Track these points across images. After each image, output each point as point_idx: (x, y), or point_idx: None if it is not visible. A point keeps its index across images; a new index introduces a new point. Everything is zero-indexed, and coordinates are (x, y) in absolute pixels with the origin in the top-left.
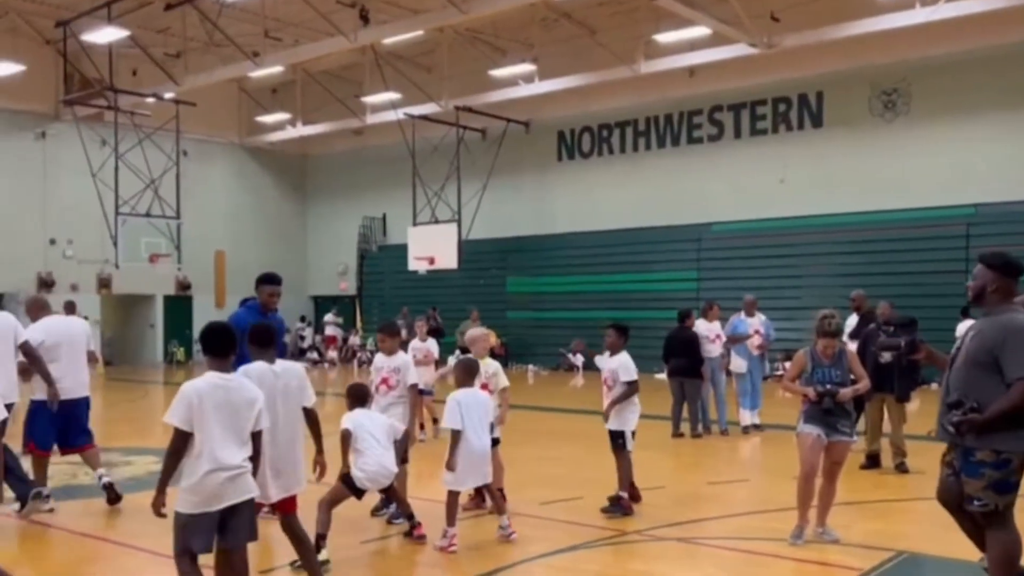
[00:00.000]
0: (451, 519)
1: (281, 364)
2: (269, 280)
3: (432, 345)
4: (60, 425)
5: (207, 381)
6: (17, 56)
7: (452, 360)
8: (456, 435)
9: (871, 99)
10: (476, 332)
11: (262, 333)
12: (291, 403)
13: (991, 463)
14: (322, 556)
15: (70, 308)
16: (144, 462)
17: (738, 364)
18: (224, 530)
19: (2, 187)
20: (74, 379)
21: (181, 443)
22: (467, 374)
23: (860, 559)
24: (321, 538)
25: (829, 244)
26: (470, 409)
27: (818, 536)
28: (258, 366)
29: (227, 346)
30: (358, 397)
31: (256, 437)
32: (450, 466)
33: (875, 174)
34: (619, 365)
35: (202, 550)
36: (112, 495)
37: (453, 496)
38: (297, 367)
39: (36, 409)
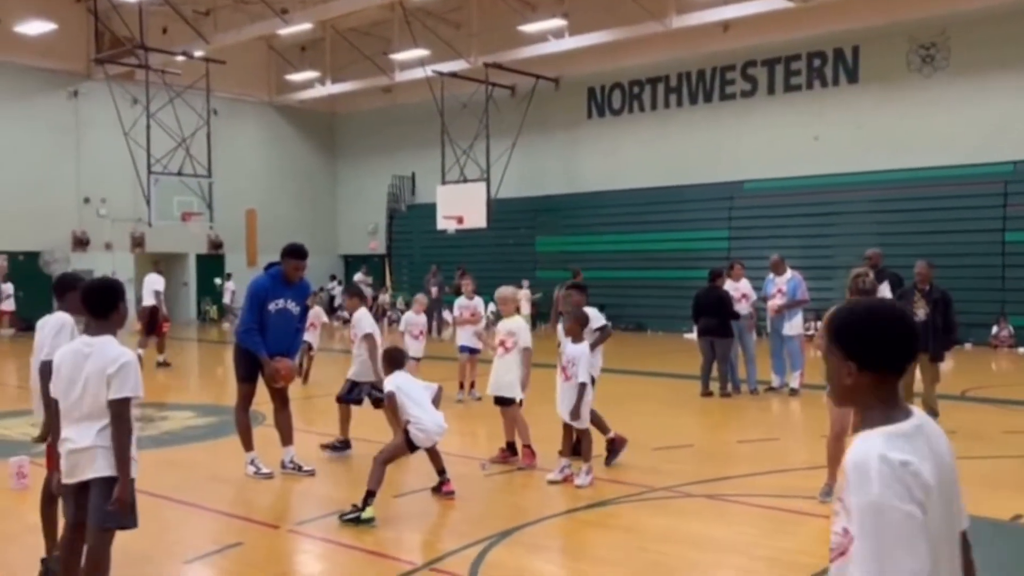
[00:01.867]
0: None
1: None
2: (295, 254)
3: (479, 303)
4: None
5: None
6: (49, 15)
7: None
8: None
9: (908, 53)
10: (506, 291)
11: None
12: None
13: None
14: (367, 513)
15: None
16: (181, 417)
17: (789, 326)
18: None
19: (37, 146)
20: None
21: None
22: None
23: None
24: (371, 495)
25: (864, 202)
26: (409, 392)
27: None
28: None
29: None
30: (396, 361)
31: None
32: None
33: (912, 131)
34: (580, 353)
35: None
36: None
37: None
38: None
39: None
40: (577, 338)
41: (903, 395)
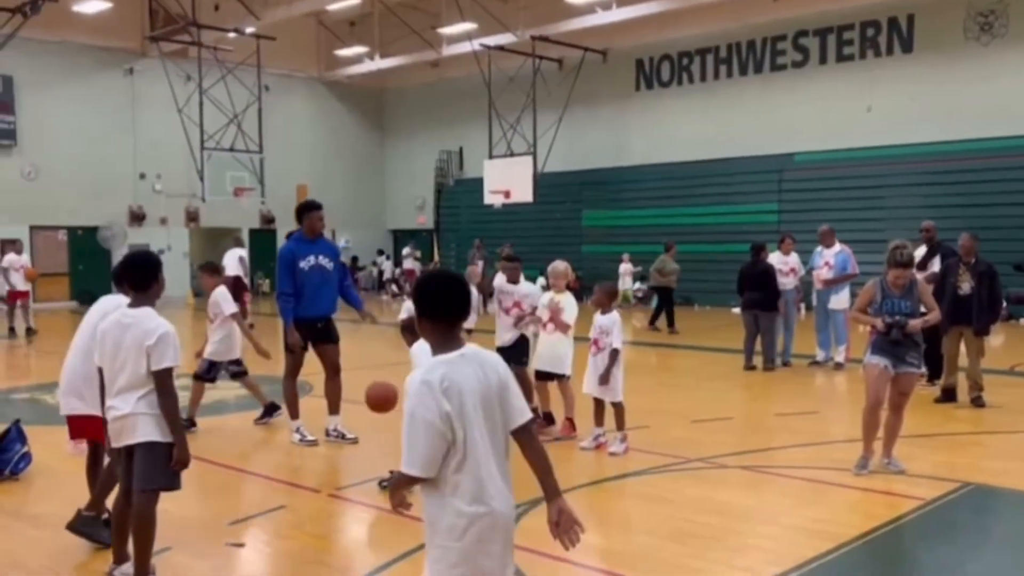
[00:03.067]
0: None
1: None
2: (310, 207)
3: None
4: None
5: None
6: None
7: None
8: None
9: (966, 21)
10: (560, 266)
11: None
12: None
13: None
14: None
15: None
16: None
17: (836, 300)
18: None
19: (94, 123)
20: None
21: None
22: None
23: (926, 489)
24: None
25: (918, 175)
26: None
27: (884, 467)
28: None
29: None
30: (415, 331)
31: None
32: None
33: (968, 101)
34: (612, 322)
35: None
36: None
37: None
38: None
39: None
40: (607, 309)
41: (947, 367)
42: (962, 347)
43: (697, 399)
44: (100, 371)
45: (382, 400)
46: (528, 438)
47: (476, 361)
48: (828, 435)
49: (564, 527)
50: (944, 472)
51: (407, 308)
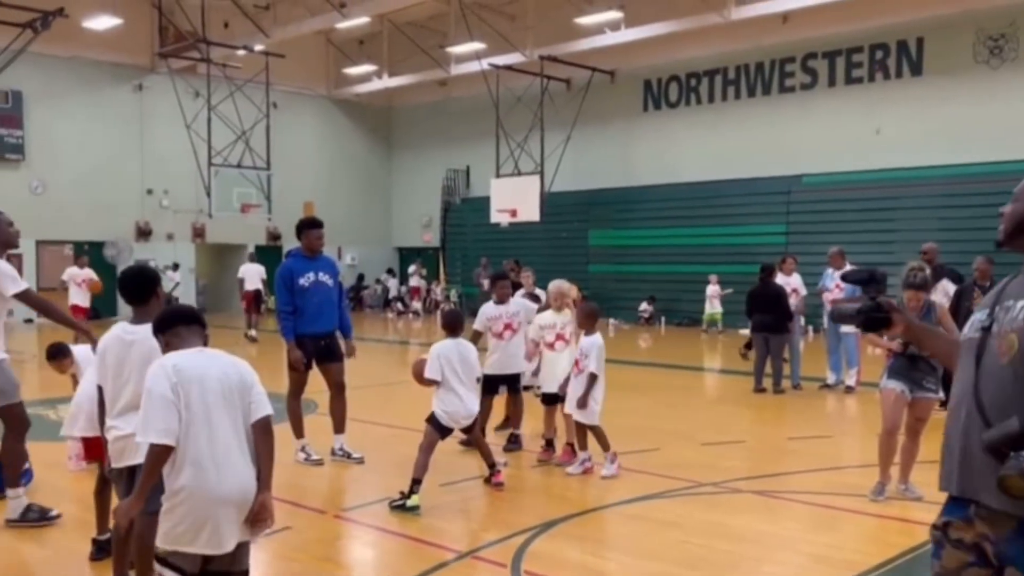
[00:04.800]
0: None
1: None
2: (311, 225)
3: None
4: None
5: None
6: (115, 10)
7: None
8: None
9: (975, 45)
10: (562, 285)
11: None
12: None
13: None
14: (412, 501)
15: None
16: None
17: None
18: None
19: (102, 138)
20: None
21: None
22: (447, 328)
23: None
24: (416, 482)
25: (927, 198)
26: (451, 361)
27: (900, 493)
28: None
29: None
30: (450, 326)
31: None
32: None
33: (978, 124)
34: (592, 344)
35: None
36: None
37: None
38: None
39: None
40: (589, 331)
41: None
42: None
43: (707, 421)
44: (100, 389)
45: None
46: (262, 434)
47: (208, 360)
48: (842, 460)
49: (258, 516)
50: None
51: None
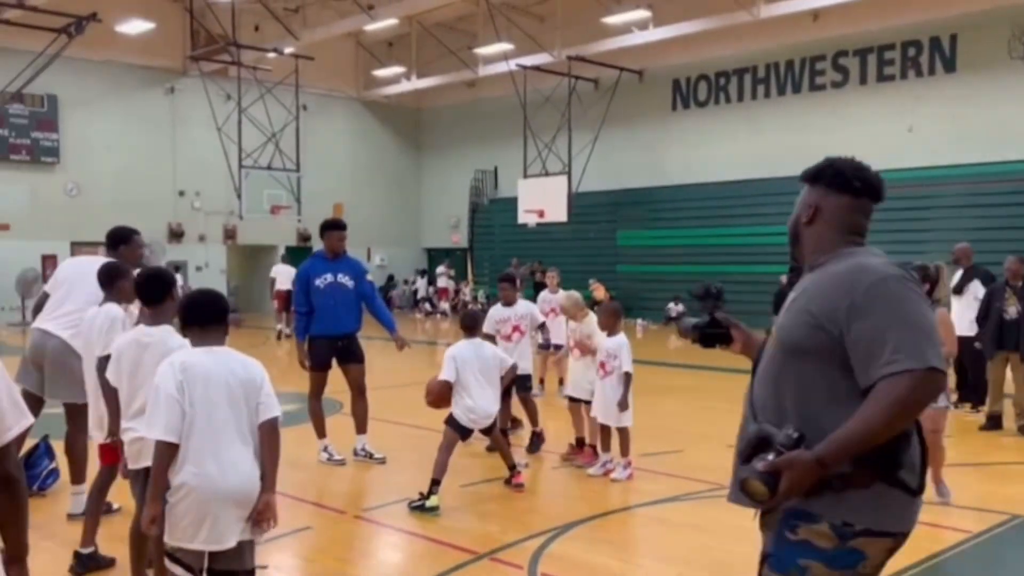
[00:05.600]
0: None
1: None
2: (332, 226)
3: (572, 292)
4: None
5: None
6: (147, 14)
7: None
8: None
9: (1011, 40)
10: (566, 302)
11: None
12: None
13: (824, 551)
14: (432, 501)
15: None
16: None
17: None
18: None
19: (135, 141)
20: None
21: None
22: (464, 329)
23: (971, 521)
24: (435, 483)
25: (960, 196)
26: (467, 362)
27: (933, 494)
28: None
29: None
30: (466, 327)
31: None
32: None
33: (1013, 122)
34: (619, 344)
35: None
36: None
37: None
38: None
39: None
40: (612, 331)
41: (992, 393)
42: (1008, 373)
43: (732, 424)
44: (115, 391)
45: (440, 397)
46: (267, 434)
47: (221, 360)
48: None
49: (260, 516)
50: (991, 503)
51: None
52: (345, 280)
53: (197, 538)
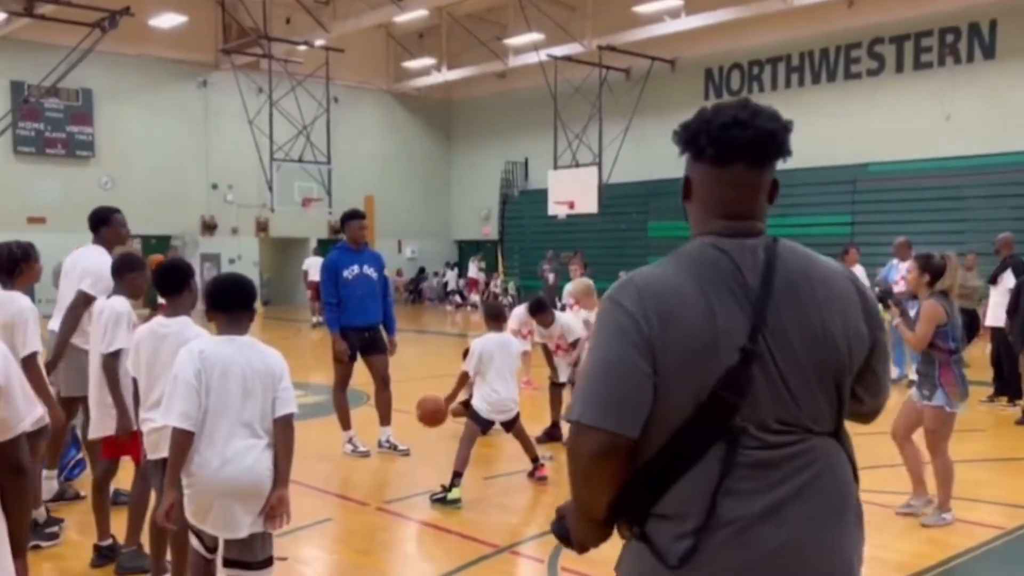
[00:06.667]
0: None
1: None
2: (354, 216)
3: (586, 279)
4: None
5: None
6: (180, 8)
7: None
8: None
9: None
10: (578, 286)
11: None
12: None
13: None
14: (453, 494)
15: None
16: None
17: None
18: None
19: (169, 134)
20: None
21: None
22: (489, 320)
23: (1004, 517)
24: (457, 476)
25: (999, 186)
26: (492, 355)
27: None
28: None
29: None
30: (492, 316)
31: None
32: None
33: None
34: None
35: None
36: None
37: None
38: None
39: None
40: None
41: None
42: None
43: None
44: (135, 381)
45: (432, 415)
46: (281, 429)
47: (243, 348)
48: (899, 457)
49: (273, 512)
50: None
51: (516, 316)
52: (371, 272)
53: (206, 523)
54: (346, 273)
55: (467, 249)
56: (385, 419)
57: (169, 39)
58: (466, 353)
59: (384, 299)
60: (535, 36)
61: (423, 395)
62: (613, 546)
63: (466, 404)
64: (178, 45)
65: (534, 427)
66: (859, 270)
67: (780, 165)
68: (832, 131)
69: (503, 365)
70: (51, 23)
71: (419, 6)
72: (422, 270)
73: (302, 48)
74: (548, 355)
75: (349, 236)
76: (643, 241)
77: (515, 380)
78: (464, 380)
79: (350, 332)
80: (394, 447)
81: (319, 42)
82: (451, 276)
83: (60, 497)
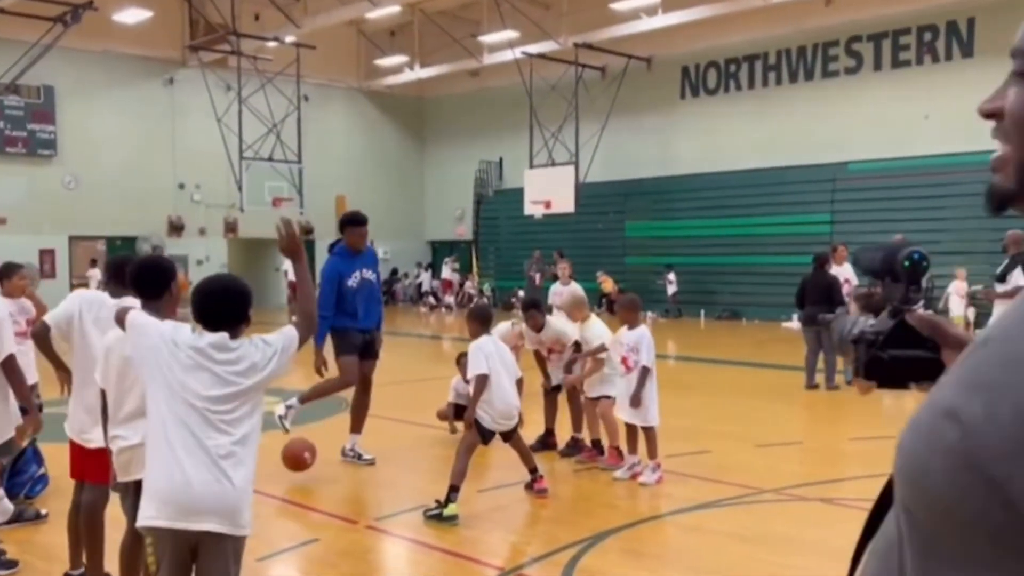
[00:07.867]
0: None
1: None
2: (355, 222)
3: (576, 289)
4: None
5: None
6: (145, 3)
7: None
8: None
9: None
10: (567, 298)
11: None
12: None
13: None
14: (450, 510)
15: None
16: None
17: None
18: None
19: (133, 132)
20: None
21: None
22: (480, 323)
23: None
24: (454, 490)
25: (978, 184)
26: (491, 356)
27: None
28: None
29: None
30: (483, 320)
31: None
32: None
33: None
34: (641, 336)
35: None
36: None
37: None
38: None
39: None
40: (633, 324)
41: None
42: None
43: (760, 421)
44: (103, 394)
45: (294, 460)
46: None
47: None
48: None
49: None
50: None
51: (501, 333)
52: (370, 275)
53: None
54: (350, 282)
55: (440, 250)
56: (356, 426)
57: (134, 35)
58: (458, 360)
59: (379, 300)
60: (510, 34)
61: (290, 439)
62: (629, 567)
63: (457, 409)
64: (144, 41)
65: (525, 435)
66: (848, 268)
67: (760, 164)
68: (810, 130)
69: (503, 369)
70: (11, 16)
71: (391, 2)
72: (395, 271)
73: (272, 45)
74: (540, 361)
75: (349, 242)
76: (620, 241)
77: (515, 385)
78: (483, 383)
79: (357, 332)
80: (358, 456)
81: (289, 38)
82: (425, 277)
83: (18, 519)
